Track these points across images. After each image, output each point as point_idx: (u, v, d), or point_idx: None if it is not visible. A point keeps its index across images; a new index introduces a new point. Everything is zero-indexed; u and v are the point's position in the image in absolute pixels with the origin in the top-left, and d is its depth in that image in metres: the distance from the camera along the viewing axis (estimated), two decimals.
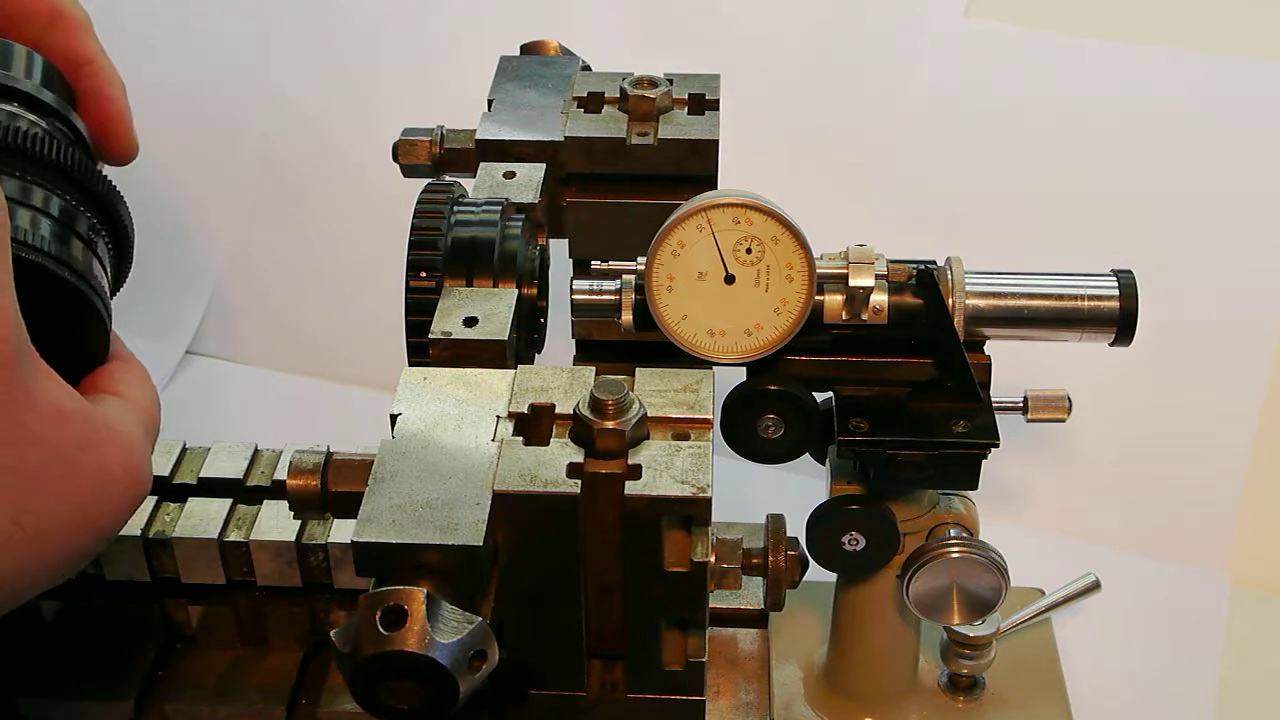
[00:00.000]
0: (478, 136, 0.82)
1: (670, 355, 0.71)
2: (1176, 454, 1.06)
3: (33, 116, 0.67)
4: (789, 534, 0.75)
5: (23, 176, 0.62)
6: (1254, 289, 1.09)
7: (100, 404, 0.62)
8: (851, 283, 0.70)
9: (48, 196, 0.63)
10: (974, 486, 0.72)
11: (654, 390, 0.66)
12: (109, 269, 0.67)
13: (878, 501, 0.75)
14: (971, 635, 0.83)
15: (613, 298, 0.72)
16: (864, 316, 0.71)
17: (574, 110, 0.83)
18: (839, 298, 0.71)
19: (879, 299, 0.71)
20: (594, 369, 0.66)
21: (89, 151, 0.71)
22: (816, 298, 0.71)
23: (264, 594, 0.84)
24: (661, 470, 0.62)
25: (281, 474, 0.83)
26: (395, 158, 0.84)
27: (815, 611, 0.89)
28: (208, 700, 0.83)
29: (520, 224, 0.75)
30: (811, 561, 0.76)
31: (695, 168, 0.81)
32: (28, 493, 0.56)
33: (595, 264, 0.73)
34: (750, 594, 0.90)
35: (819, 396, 0.74)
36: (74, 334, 0.63)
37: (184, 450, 0.86)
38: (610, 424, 0.62)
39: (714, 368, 0.70)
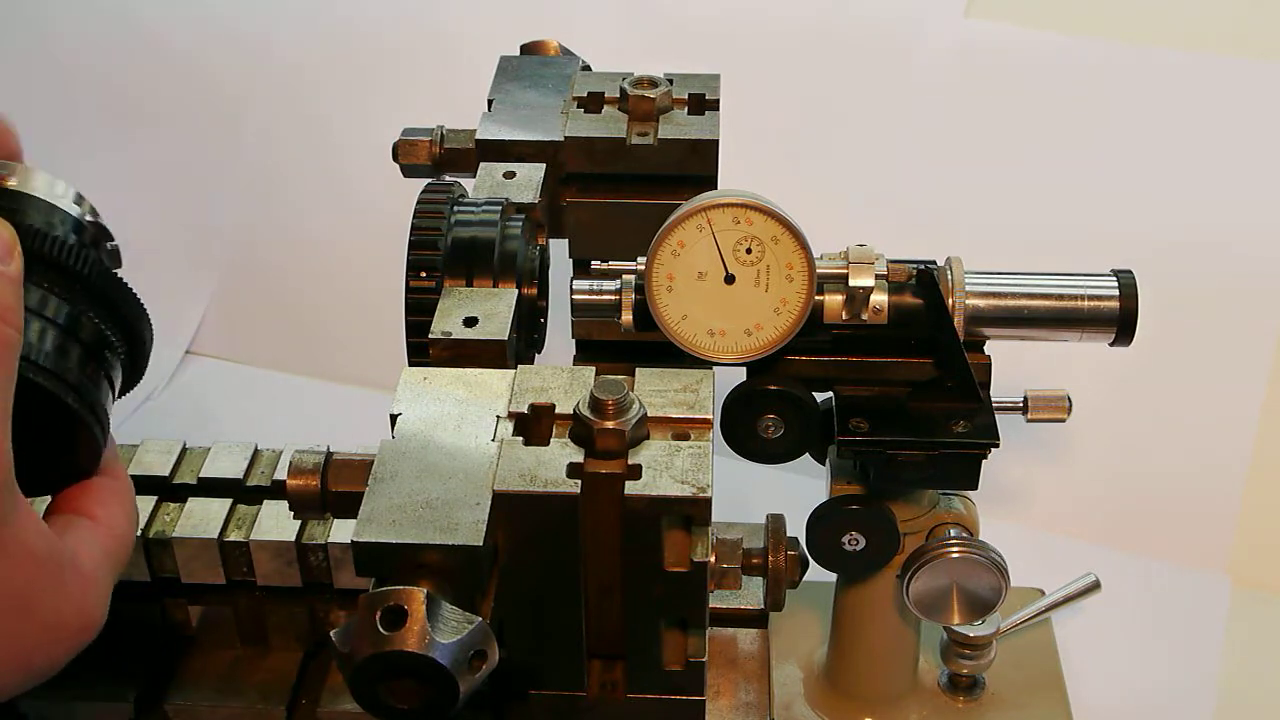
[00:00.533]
0: (478, 136, 0.82)
1: (670, 355, 0.71)
2: (1176, 454, 1.06)
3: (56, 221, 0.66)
4: (789, 534, 0.75)
5: (40, 284, 0.62)
6: (1254, 289, 1.09)
7: (71, 531, 0.60)
8: (851, 283, 0.70)
9: (60, 305, 0.62)
10: (974, 486, 0.72)
11: (654, 390, 0.66)
12: (116, 378, 0.66)
13: (878, 501, 0.75)
14: (971, 635, 0.83)
15: (613, 298, 0.72)
16: (864, 316, 0.71)
17: (574, 110, 0.83)
18: (839, 298, 0.71)
19: (879, 299, 0.71)
20: (594, 369, 0.66)
21: (107, 254, 0.69)
22: (816, 298, 0.71)
23: (264, 594, 0.84)
24: (661, 470, 0.62)
25: (281, 474, 0.83)
26: (395, 158, 0.84)
27: (815, 611, 0.89)
28: (208, 700, 0.83)
29: (520, 224, 0.75)
30: (811, 561, 0.76)
31: (695, 168, 0.81)
32: None
33: (595, 264, 0.73)
34: (750, 594, 0.90)
35: (819, 396, 0.74)
36: (66, 450, 0.62)
37: (184, 450, 0.86)
38: (610, 424, 0.62)
39: (714, 368, 0.70)
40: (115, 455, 0.65)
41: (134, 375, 0.68)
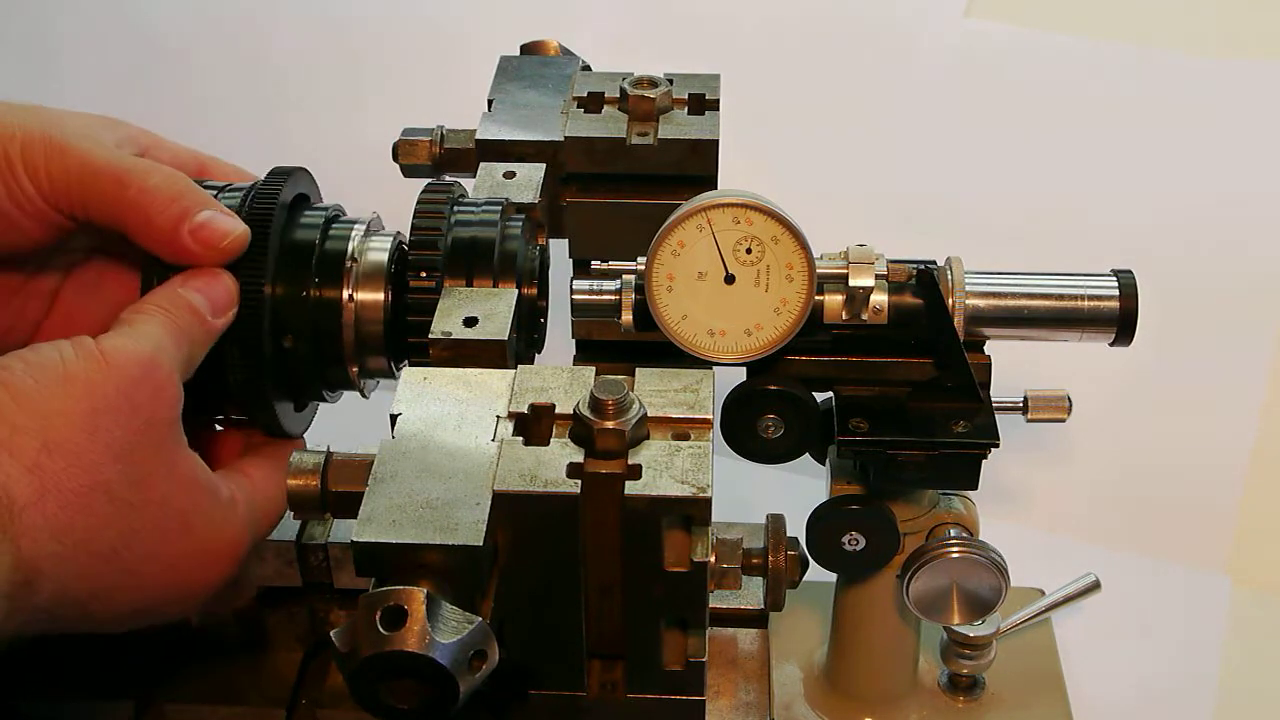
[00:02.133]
0: (478, 136, 0.82)
1: (670, 355, 0.71)
2: (1176, 454, 1.06)
3: None
4: (789, 534, 0.75)
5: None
6: (1254, 289, 1.10)
7: (229, 479, 0.70)
8: (851, 283, 0.70)
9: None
10: (974, 486, 0.72)
11: (654, 390, 0.66)
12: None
13: (878, 501, 0.75)
14: (971, 635, 0.83)
15: (613, 298, 0.72)
16: (864, 316, 0.71)
17: (574, 110, 0.83)
18: (839, 298, 0.71)
19: (879, 299, 0.71)
20: (594, 369, 0.66)
21: None
22: (816, 298, 0.71)
23: (264, 594, 0.83)
24: (661, 470, 0.62)
25: None
26: (395, 158, 0.84)
27: (815, 611, 0.89)
28: (208, 700, 0.83)
29: (520, 224, 0.75)
30: (811, 561, 0.76)
31: (695, 168, 0.81)
32: (138, 534, 0.64)
33: (595, 264, 0.73)
34: (750, 594, 0.90)
35: (819, 396, 0.74)
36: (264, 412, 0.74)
37: None
38: (610, 424, 0.62)
39: (714, 368, 0.70)
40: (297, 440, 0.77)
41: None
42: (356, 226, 0.75)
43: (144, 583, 0.65)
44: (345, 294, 0.73)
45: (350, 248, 0.74)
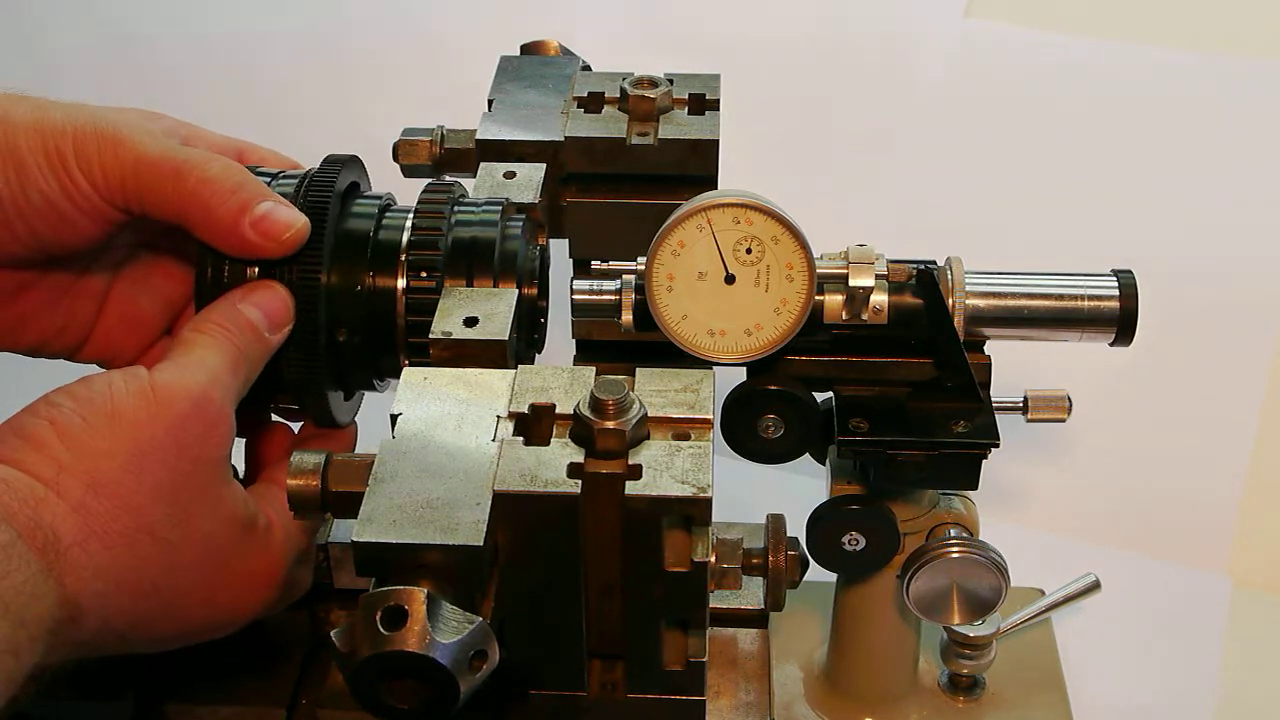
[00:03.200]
0: (478, 136, 0.82)
1: (670, 355, 0.71)
2: (1176, 454, 1.06)
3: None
4: (789, 534, 0.75)
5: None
6: (1254, 289, 1.09)
7: (268, 499, 0.70)
8: (851, 283, 0.70)
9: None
10: (974, 486, 0.72)
11: (654, 390, 0.66)
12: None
13: (878, 501, 0.75)
14: (971, 635, 0.83)
15: (613, 298, 0.72)
16: (864, 316, 0.71)
17: (574, 110, 0.83)
18: (839, 298, 0.71)
19: (879, 299, 0.71)
20: (594, 369, 0.66)
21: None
22: (816, 298, 0.71)
23: None
24: (662, 470, 0.62)
25: None
26: (395, 158, 0.84)
27: (815, 611, 0.89)
28: (208, 700, 0.83)
29: (520, 224, 0.75)
30: (811, 561, 0.76)
31: (695, 168, 0.81)
32: (179, 570, 0.64)
33: (595, 264, 0.73)
34: (750, 594, 0.90)
35: (819, 396, 0.74)
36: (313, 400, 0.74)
37: None
38: (611, 424, 0.62)
39: (714, 368, 0.70)
40: (346, 443, 0.76)
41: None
42: (410, 216, 0.74)
43: (183, 615, 0.66)
44: (400, 283, 0.72)
45: (404, 238, 0.73)
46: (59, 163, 0.67)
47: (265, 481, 0.73)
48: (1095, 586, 0.90)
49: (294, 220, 0.70)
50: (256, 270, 0.70)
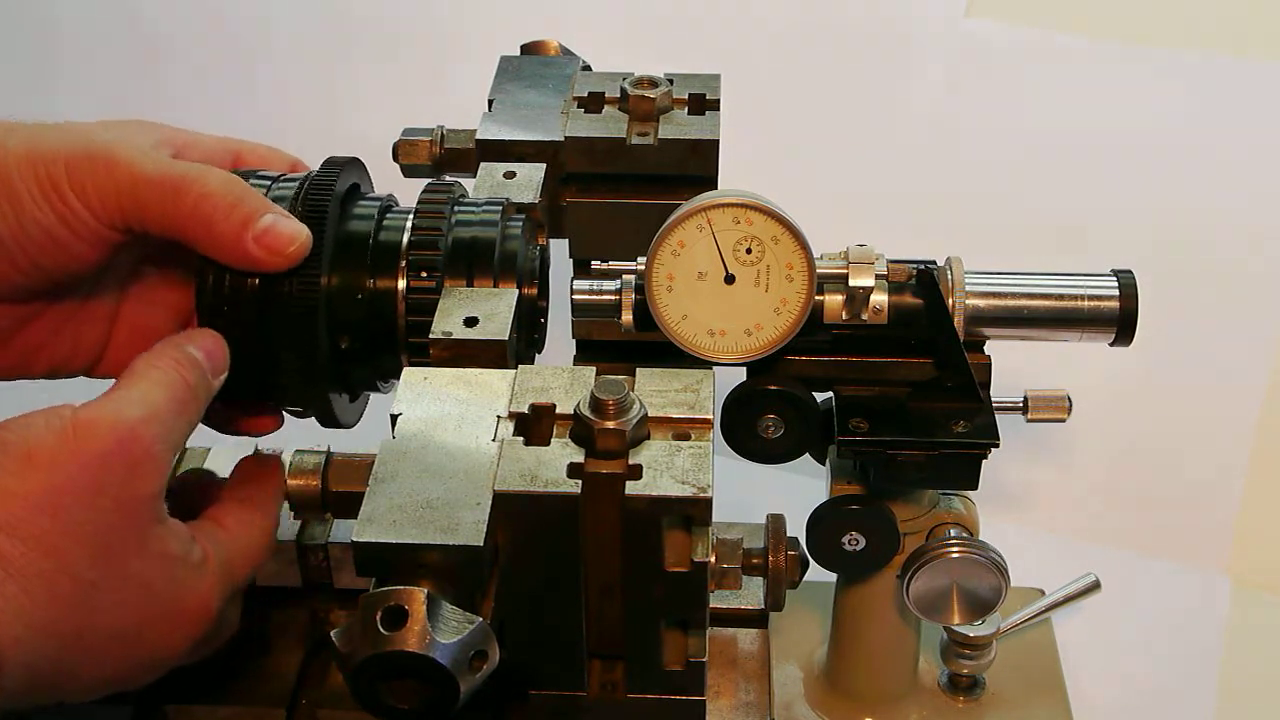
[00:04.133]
0: (478, 136, 0.82)
1: (670, 355, 0.71)
2: (1176, 454, 1.06)
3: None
4: (789, 534, 0.75)
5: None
6: (1254, 289, 1.10)
7: (205, 536, 0.66)
8: (851, 283, 0.70)
9: None
10: (974, 486, 0.72)
11: (654, 390, 0.66)
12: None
13: (878, 501, 0.75)
14: (971, 635, 0.83)
15: (613, 298, 0.72)
16: (864, 316, 0.71)
17: (574, 110, 0.83)
18: (839, 298, 0.71)
19: (879, 299, 0.71)
20: (594, 369, 0.66)
21: None
22: (816, 298, 0.71)
23: (264, 594, 0.83)
24: (662, 470, 0.62)
25: None
26: (395, 158, 0.84)
27: (815, 611, 0.89)
28: (208, 700, 0.83)
29: (520, 224, 0.75)
30: (811, 561, 0.76)
31: (695, 168, 0.81)
32: (103, 611, 0.61)
33: (595, 264, 0.73)
34: (750, 594, 0.90)
35: (819, 396, 0.74)
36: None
37: (184, 450, 0.86)
38: (611, 424, 0.62)
39: (714, 368, 0.70)
40: (270, 490, 0.71)
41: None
42: (410, 217, 0.74)
43: (109, 658, 0.63)
44: (400, 284, 0.72)
45: (404, 239, 0.73)
46: (53, 191, 0.66)
47: (208, 519, 0.69)
48: (1095, 586, 0.90)
49: (298, 233, 0.69)
50: (258, 281, 0.70)
